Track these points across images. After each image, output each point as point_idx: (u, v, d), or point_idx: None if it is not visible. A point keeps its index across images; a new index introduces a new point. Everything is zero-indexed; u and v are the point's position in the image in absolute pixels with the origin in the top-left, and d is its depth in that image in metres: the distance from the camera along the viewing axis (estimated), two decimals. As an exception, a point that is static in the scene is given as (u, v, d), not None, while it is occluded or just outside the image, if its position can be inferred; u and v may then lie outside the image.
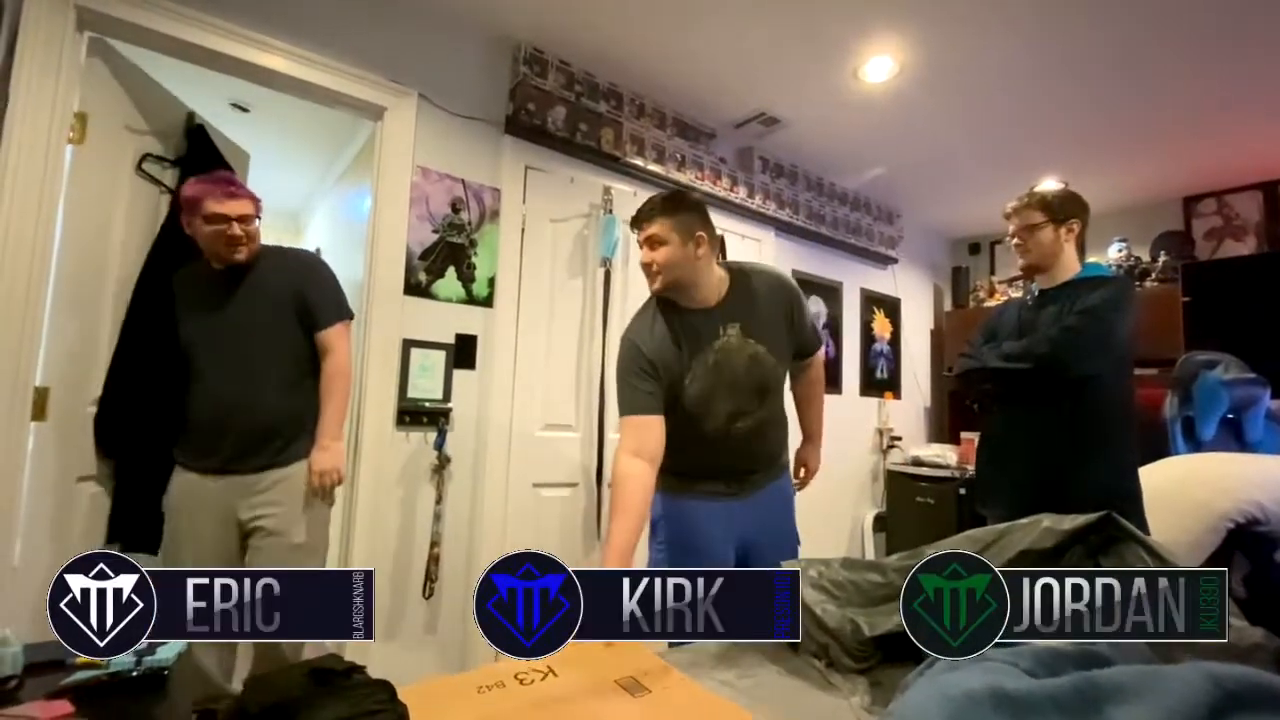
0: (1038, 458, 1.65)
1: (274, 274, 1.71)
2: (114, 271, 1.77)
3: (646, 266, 1.49)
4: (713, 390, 1.49)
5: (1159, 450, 2.55)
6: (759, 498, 1.62)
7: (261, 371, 1.67)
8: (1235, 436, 2.64)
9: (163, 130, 1.92)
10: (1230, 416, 2.65)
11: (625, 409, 1.46)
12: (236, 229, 1.63)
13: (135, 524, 1.75)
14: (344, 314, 1.78)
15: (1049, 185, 3.51)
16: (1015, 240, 1.79)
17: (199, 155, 1.97)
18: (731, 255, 3.00)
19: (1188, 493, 2.08)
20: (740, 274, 1.57)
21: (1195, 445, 2.64)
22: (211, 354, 1.66)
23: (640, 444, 1.40)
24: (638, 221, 1.50)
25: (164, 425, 1.71)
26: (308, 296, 1.72)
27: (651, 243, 1.47)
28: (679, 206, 1.49)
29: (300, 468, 1.67)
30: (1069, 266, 1.74)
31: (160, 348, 1.73)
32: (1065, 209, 1.73)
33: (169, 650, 1.32)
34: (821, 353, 1.78)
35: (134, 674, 1.20)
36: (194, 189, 1.62)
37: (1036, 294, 1.79)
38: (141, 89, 1.84)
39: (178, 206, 1.74)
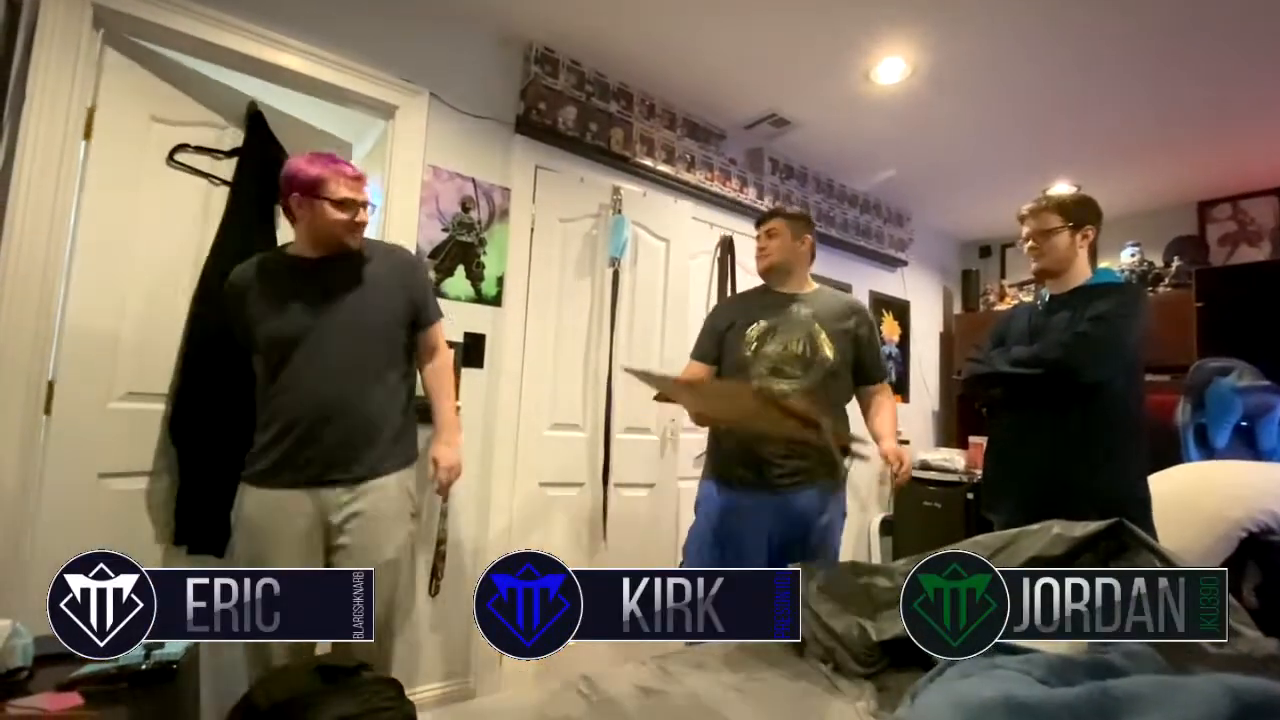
0: (1046, 463, 1.64)
1: (384, 268, 1.63)
2: (142, 264, 1.73)
3: (761, 250, 1.94)
4: (766, 340, 1.85)
5: (1171, 457, 2.53)
6: (798, 499, 1.79)
7: (370, 371, 1.56)
8: (1248, 444, 2.61)
9: (210, 121, 1.87)
10: (1244, 424, 2.62)
11: (694, 354, 2.00)
12: (362, 215, 1.56)
13: (204, 525, 1.71)
14: (441, 312, 1.77)
15: (1061, 189, 3.50)
16: (1030, 244, 1.77)
17: (256, 145, 1.90)
18: (740, 256, 3.01)
19: (1200, 501, 2.06)
20: (826, 287, 2.02)
21: (1208, 453, 2.62)
22: (314, 352, 1.51)
23: (692, 376, 1.95)
24: (762, 221, 1.97)
25: (234, 424, 1.66)
26: (414, 294, 1.66)
27: (770, 234, 1.92)
28: (796, 215, 1.99)
29: (394, 478, 1.58)
30: (1081, 272, 1.73)
31: (231, 342, 1.68)
32: (1081, 214, 1.72)
33: (177, 644, 1.33)
34: (888, 389, 1.98)
35: (143, 667, 1.21)
36: (319, 169, 1.51)
37: (1047, 299, 1.77)
38: (178, 81, 1.82)
39: (249, 188, 1.75)
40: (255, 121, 1.91)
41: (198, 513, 1.73)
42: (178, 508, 1.74)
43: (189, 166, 1.82)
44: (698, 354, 1.98)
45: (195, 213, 1.84)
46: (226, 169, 1.89)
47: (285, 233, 1.89)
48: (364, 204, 1.56)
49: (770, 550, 1.81)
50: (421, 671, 2.07)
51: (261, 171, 1.86)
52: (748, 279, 3.07)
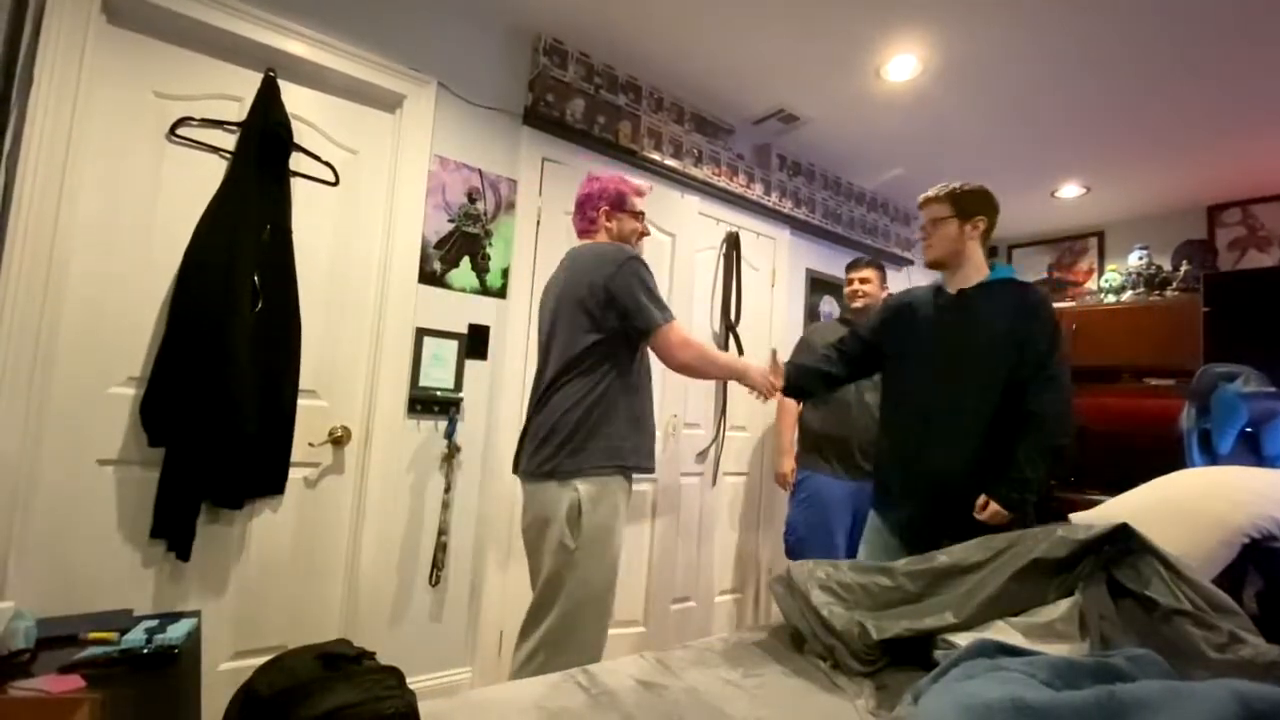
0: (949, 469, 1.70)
1: None
2: (146, 246, 1.72)
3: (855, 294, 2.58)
4: None
5: (1174, 462, 2.52)
6: None
7: None
8: (1253, 450, 2.60)
9: (213, 95, 1.83)
10: (1249, 430, 2.61)
11: None
12: (645, 226, 1.83)
13: (180, 525, 1.66)
14: None
15: (1070, 190, 3.48)
16: (922, 232, 1.84)
17: (262, 111, 1.83)
18: (745, 252, 3.00)
19: (1202, 506, 2.05)
20: None
21: (1212, 458, 2.61)
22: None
23: None
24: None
25: (212, 414, 1.64)
26: None
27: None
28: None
29: None
30: (977, 266, 1.76)
31: (213, 324, 1.66)
32: (971, 205, 1.74)
33: (179, 629, 1.34)
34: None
35: (144, 651, 1.21)
36: (624, 187, 1.79)
37: (954, 294, 1.78)
38: (180, 55, 1.79)
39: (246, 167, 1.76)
40: (267, 87, 1.85)
41: (173, 506, 1.67)
42: (158, 497, 1.67)
43: (198, 142, 1.79)
44: None
45: (206, 195, 1.78)
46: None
47: (298, 213, 1.87)
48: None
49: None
50: (422, 661, 2.08)
51: (264, 138, 1.81)
52: (753, 275, 3.06)
